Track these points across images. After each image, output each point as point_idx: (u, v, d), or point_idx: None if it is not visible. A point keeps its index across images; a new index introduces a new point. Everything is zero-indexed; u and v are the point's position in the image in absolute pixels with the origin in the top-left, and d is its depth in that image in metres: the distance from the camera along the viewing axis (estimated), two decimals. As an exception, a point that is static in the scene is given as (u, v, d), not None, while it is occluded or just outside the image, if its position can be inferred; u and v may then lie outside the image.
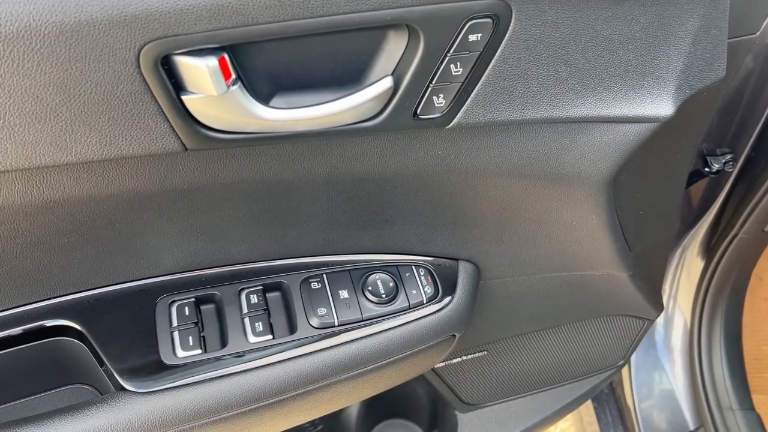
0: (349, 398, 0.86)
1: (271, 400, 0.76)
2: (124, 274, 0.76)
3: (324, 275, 0.81)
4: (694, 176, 1.11)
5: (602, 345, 1.12)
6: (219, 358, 0.74)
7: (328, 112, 0.61)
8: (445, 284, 0.84)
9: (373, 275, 0.81)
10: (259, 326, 0.76)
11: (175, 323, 0.75)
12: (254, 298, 0.78)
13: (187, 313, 0.76)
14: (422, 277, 0.83)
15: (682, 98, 0.69)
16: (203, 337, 0.75)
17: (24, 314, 0.73)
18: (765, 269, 1.49)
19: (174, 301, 0.77)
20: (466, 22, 0.58)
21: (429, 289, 0.82)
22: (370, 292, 0.80)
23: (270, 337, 0.76)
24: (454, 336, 0.85)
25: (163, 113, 0.57)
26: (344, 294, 0.80)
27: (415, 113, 0.64)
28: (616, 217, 0.82)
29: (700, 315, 1.26)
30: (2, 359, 0.74)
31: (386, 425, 1.19)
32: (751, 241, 1.16)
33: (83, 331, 0.74)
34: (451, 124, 0.66)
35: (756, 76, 1.05)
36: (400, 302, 0.81)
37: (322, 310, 0.78)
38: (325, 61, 0.60)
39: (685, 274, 1.27)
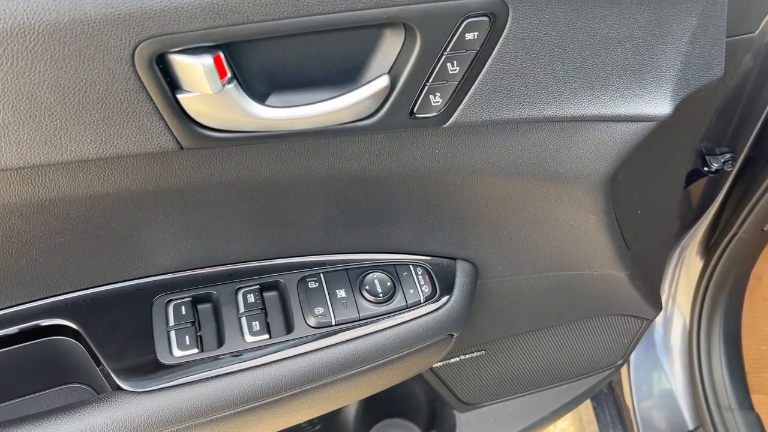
0: (346, 398, 0.86)
1: (268, 400, 0.75)
2: (120, 273, 0.76)
3: (321, 274, 0.81)
4: (693, 175, 1.11)
5: (601, 344, 1.12)
6: (216, 358, 0.74)
7: (324, 110, 0.61)
8: (443, 283, 0.84)
9: (371, 275, 0.81)
10: (256, 326, 0.76)
11: (171, 323, 0.75)
12: (251, 298, 0.78)
13: (183, 313, 0.76)
14: (420, 277, 0.83)
15: (680, 97, 0.69)
16: (200, 336, 0.75)
17: (20, 313, 0.73)
18: (764, 269, 1.48)
19: (171, 301, 0.77)
20: (462, 21, 0.58)
21: (426, 289, 0.82)
22: (367, 291, 0.80)
23: (267, 336, 0.75)
24: (452, 335, 0.85)
25: (159, 112, 0.57)
26: (341, 293, 0.80)
27: (411, 112, 0.64)
28: (614, 217, 0.82)
29: (699, 315, 1.26)
30: (-1, 358, 0.74)
31: (384, 425, 1.19)
32: (750, 240, 1.16)
33: (80, 330, 0.74)
34: (447, 123, 0.65)
35: (755, 75, 1.05)
36: (398, 301, 0.81)
37: (319, 310, 0.78)
38: (321, 59, 0.59)
39: (684, 274, 1.27)
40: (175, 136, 0.59)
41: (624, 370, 1.34)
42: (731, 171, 1.13)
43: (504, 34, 0.60)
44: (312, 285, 0.80)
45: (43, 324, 0.74)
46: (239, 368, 0.74)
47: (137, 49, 0.52)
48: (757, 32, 0.91)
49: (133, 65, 0.53)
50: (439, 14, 0.57)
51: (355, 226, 0.79)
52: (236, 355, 0.74)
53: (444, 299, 0.83)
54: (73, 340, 0.75)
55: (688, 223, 1.23)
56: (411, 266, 0.83)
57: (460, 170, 0.73)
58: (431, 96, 0.63)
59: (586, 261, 0.89)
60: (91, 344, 0.73)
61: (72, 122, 0.55)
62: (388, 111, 0.63)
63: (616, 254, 0.87)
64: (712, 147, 1.10)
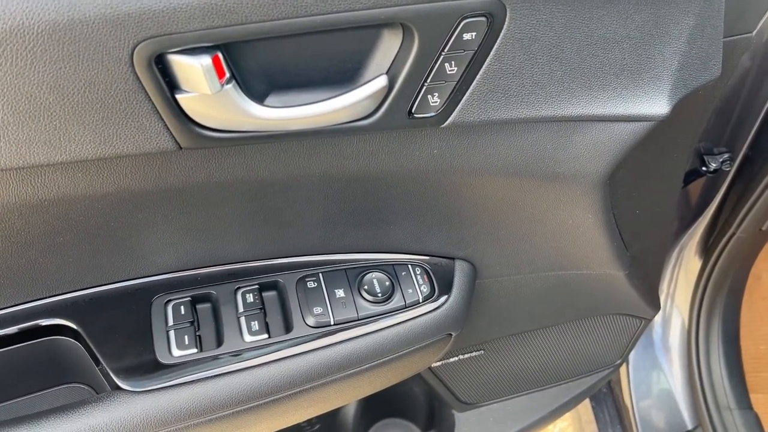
0: (345, 397, 0.87)
1: (267, 399, 0.76)
2: (119, 273, 0.76)
3: (320, 274, 0.81)
4: (692, 175, 1.11)
5: (600, 344, 1.12)
6: (215, 357, 0.74)
7: (322, 110, 0.61)
8: (442, 283, 0.84)
9: (369, 274, 0.81)
10: (255, 325, 0.76)
11: (170, 322, 0.75)
12: (250, 297, 0.78)
13: (182, 313, 0.76)
14: (418, 276, 0.83)
15: (677, 97, 0.69)
16: (199, 336, 0.75)
17: (19, 313, 0.73)
18: (763, 268, 1.49)
19: (170, 301, 0.77)
20: (460, 21, 0.58)
21: (425, 288, 0.82)
22: (366, 291, 0.80)
23: (266, 336, 0.76)
24: (451, 335, 0.85)
25: (157, 112, 0.57)
26: (340, 293, 0.80)
27: (410, 112, 0.64)
28: (612, 216, 0.82)
29: (698, 314, 1.26)
30: (-2, 358, 0.74)
31: (383, 424, 1.19)
32: (748, 240, 1.16)
33: (79, 330, 0.74)
34: (446, 123, 0.66)
35: (753, 75, 1.05)
36: (396, 301, 0.81)
37: (318, 309, 0.78)
38: (320, 59, 0.60)
39: (682, 274, 1.27)
40: (173, 136, 0.59)
41: (623, 369, 1.34)
42: (729, 171, 1.13)
43: (501, 34, 0.61)
44: (311, 285, 0.80)
45: (43, 324, 0.74)
46: (238, 368, 0.74)
47: (136, 50, 0.52)
48: (754, 32, 0.91)
49: (132, 66, 0.53)
50: (436, 14, 0.57)
51: (353, 226, 0.79)
52: (235, 354, 0.74)
53: (442, 299, 0.83)
54: (72, 340, 0.75)
55: (686, 223, 1.23)
56: (409, 266, 0.84)
57: (458, 170, 0.73)
58: (429, 96, 0.63)
59: (584, 261, 0.90)
60: (91, 344, 0.73)
61: (71, 122, 0.55)
62: (386, 111, 0.63)
63: (614, 254, 0.87)
64: (710, 147, 1.10)
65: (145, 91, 0.55)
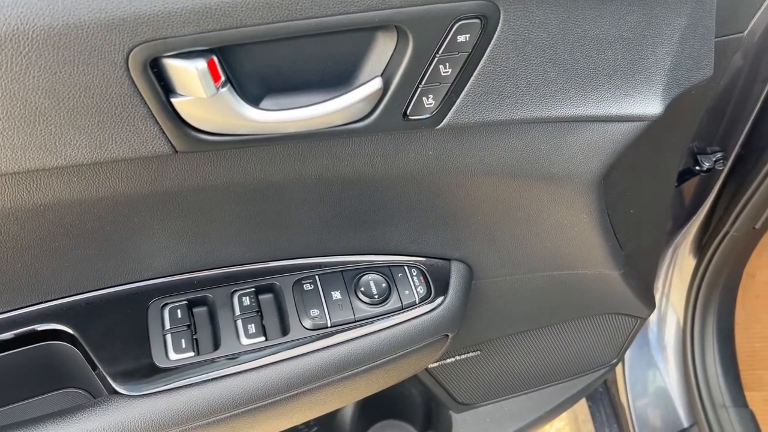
0: (343, 399, 0.87)
1: (265, 402, 0.76)
2: (115, 278, 0.76)
3: (316, 276, 0.81)
4: (685, 175, 1.12)
5: (595, 343, 1.12)
6: (212, 361, 0.74)
7: (317, 113, 0.61)
8: (438, 284, 0.84)
9: (366, 276, 0.81)
10: (252, 328, 0.76)
11: (167, 326, 0.75)
12: (246, 300, 0.78)
13: (179, 316, 0.76)
14: (414, 278, 0.83)
15: (670, 97, 0.69)
16: (196, 339, 0.75)
17: (16, 318, 0.73)
18: (757, 266, 1.49)
19: (166, 304, 0.77)
20: (454, 23, 0.59)
21: (421, 290, 0.83)
22: (362, 293, 0.80)
23: (263, 338, 0.76)
24: (447, 336, 0.85)
25: (153, 116, 0.57)
26: (337, 295, 0.80)
27: (404, 114, 0.64)
28: (606, 216, 0.83)
29: (692, 313, 1.27)
30: (-6, 364, 0.74)
31: (381, 426, 1.19)
32: (742, 238, 1.17)
33: (75, 334, 0.74)
34: (440, 125, 0.66)
35: (745, 75, 1.06)
36: (393, 303, 0.81)
37: (314, 312, 0.78)
38: (315, 62, 0.60)
39: (677, 272, 1.28)
40: (169, 140, 0.59)
41: (619, 368, 1.34)
42: (722, 170, 1.14)
43: (495, 36, 0.61)
44: (307, 287, 0.80)
45: (39, 329, 0.74)
46: (235, 371, 0.74)
47: (131, 54, 0.52)
48: (746, 32, 0.92)
49: (127, 70, 0.53)
50: (430, 17, 0.58)
51: (349, 227, 0.79)
52: (232, 357, 0.74)
53: (439, 300, 0.83)
54: (69, 345, 0.75)
55: (680, 222, 1.24)
56: (406, 267, 0.84)
57: (453, 171, 0.73)
58: (424, 98, 0.63)
59: (579, 260, 0.90)
60: (87, 349, 0.73)
61: (67, 127, 0.55)
62: (381, 113, 0.63)
63: (609, 253, 0.88)
64: (703, 146, 1.11)
65: (141, 96, 0.55)
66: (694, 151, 1.11)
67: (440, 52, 0.60)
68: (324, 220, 0.77)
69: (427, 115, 0.65)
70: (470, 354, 1.03)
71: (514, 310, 0.98)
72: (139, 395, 0.71)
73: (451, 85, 0.63)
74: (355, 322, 0.79)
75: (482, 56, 0.62)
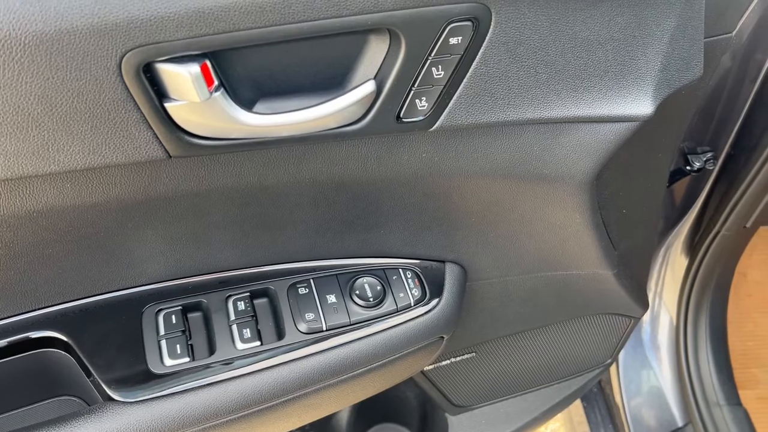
0: (339, 403, 0.87)
1: (261, 407, 0.75)
2: (109, 284, 0.75)
3: (311, 280, 0.81)
4: (676, 175, 1.12)
5: (590, 344, 1.13)
6: (207, 366, 0.74)
7: (311, 116, 0.61)
8: (432, 286, 0.84)
9: (361, 279, 0.81)
10: (247, 333, 0.76)
11: (162, 332, 0.75)
12: (241, 305, 0.78)
13: (174, 322, 0.76)
14: (409, 280, 0.83)
15: (661, 97, 0.70)
16: (191, 345, 0.75)
17: (9, 326, 0.73)
18: (748, 265, 1.50)
19: (161, 310, 0.76)
20: (446, 26, 0.59)
21: (416, 292, 0.83)
22: (357, 296, 0.80)
23: (258, 343, 0.76)
24: (443, 338, 0.85)
25: (146, 121, 0.57)
26: (332, 298, 0.80)
27: (398, 116, 0.65)
28: (599, 216, 0.83)
29: (685, 312, 1.28)
30: (-12, 372, 0.73)
31: (377, 429, 1.19)
32: (733, 237, 1.17)
33: (69, 342, 0.73)
34: (434, 127, 0.66)
35: (734, 75, 1.07)
36: (388, 305, 0.81)
37: (309, 315, 0.78)
38: (308, 66, 0.60)
39: (669, 272, 1.29)
40: (163, 145, 0.59)
41: (613, 369, 1.35)
42: (713, 169, 1.15)
43: (487, 38, 0.61)
44: (302, 291, 0.80)
45: (33, 336, 0.73)
46: (231, 376, 0.74)
47: (124, 59, 0.52)
48: (734, 32, 0.93)
49: (120, 75, 0.53)
50: (423, 20, 0.58)
51: (344, 231, 0.79)
52: (228, 362, 0.74)
53: (434, 302, 0.83)
54: (63, 352, 0.74)
55: (672, 222, 1.24)
56: (400, 270, 0.84)
57: (447, 173, 0.73)
58: (417, 100, 0.64)
59: (573, 261, 0.90)
60: (82, 356, 0.73)
61: (59, 133, 0.55)
62: (374, 116, 0.64)
63: (602, 253, 0.88)
64: (693, 146, 1.11)
65: (134, 100, 0.55)
66: (684, 151, 1.12)
67: (433, 55, 0.61)
68: (318, 224, 0.77)
69: (421, 118, 0.65)
70: (465, 356, 1.03)
71: (509, 311, 0.98)
72: (135, 401, 0.71)
73: (443, 88, 0.64)
74: (351, 325, 0.79)
75: (474, 58, 0.62)
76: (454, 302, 0.85)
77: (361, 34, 0.59)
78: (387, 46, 0.60)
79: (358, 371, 0.79)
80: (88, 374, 0.73)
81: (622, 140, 0.72)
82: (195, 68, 0.54)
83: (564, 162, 0.74)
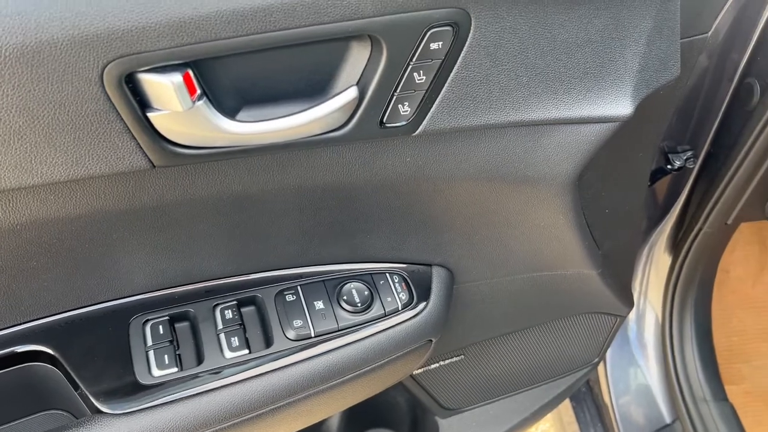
0: (329, 409, 0.87)
1: (251, 415, 0.75)
2: (95, 296, 0.75)
3: (298, 287, 0.81)
4: (657, 174, 1.14)
5: (577, 343, 1.13)
6: (196, 376, 0.73)
7: (294, 123, 0.62)
8: (420, 290, 0.85)
9: (348, 284, 0.82)
10: (235, 341, 0.76)
11: (149, 342, 0.75)
12: (229, 314, 0.78)
13: (161, 332, 0.75)
14: (396, 284, 0.84)
15: (639, 97, 0.71)
16: (179, 355, 0.75)
17: None
18: (731, 262, 1.52)
19: (148, 321, 0.76)
20: (426, 31, 0.60)
21: (404, 296, 0.83)
22: (345, 301, 0.80)
23: (246, 351, 0.75)
24: (431, 341, 0.86)
25: (129, 131, 0.57)
26: (319, 305, 0.80)
27: (381, 122, 0.65)
28: (582, 217, 0.84)
29: (670, 310, 1.29)
30: (-26, 388, 0.72)
31: (368, 435, 1.19)
32: (715, 234, 1.19)
33: (56, 355, 0.73)
34: (417, 132, 0.67)
35: (711, 74, 1.08)
36: (376, 310, 0.81)
37: (298, 322, 0.78)
38: (290, 73, 0.60)
39: (653, 271, 1.30)
40: (146, 155, 0.59)
41: (601, 368, 1.36)
42: (693, 168, 1.16)
43: (467, 42, 0.62)
44: (290, 298, 0.80)
45: (18, 351, 0.73)
46: (220, 385, 0.73)
47: (106, 70, 0.52)
48: (710, 32, 0.94)
49: (102, 86, 0.53)
50: (404, 26, 0.59)
51: (330, 237, 0.80)
52: (216, 372, 0.74)
53: (421, 306, 0.84)
54: (49, 366, 0.74)
55: (655, 221, 1.26)
56: (387, 274, 0.84)
57: (431, 177, 0.74)
58: (400, 105, 0.64)
59: (558, 261, 0.91)
60: (68, 369, 0.72)
61: (43, 145, 0.55)
62: (357, 122, 0.64)
63: (586, 253, 0.89)
64: (673, 145, 1.13)
65: (117, 111, 0.55)
66: (665, 150, 1.13)
67: (414, 60, 0.61)
68: (304, 230, 0.77)
69: (404, 123, 0.66)
70: (454, 359, 1.03)
71: (496, 312, 0.99)
72: (123, 413, 0.70)
73: (425, 92, 0.64)
74: (339, 331, 0.79)
75: (455, 63, 0.63)
76: (441, 305, 0.85)
77: (342, 40, 0.60)
78: (368, 53, 0.60)
79: (348, 376, 0.79)
80: (76, 387, 0.72)
81: (603, 141, 0.73)
82: (177, 78, 0.55)
83: (546, 163, 0.75)
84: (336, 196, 0.74)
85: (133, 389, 0.72)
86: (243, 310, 0.79)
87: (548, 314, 1.05)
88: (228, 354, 0.75)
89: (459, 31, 0.61)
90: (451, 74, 0.64)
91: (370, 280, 0.83)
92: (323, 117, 0.62)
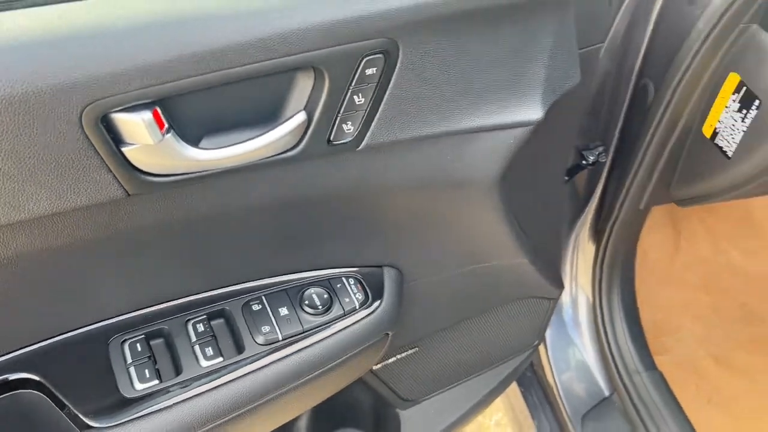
0: (301, 405, 0.94)
1: (229, 417, 0.82)
2: (75, 321, 0.80)
3: (263, 297, 0.88)
4: (575, 169, 1.26)
5: (518, 327, 1.24)
6: (176, 385, 0.79)
7: (251, 147, 0.70)
8: (374, 290, 0.93)
9: (309, 290, 0.89)
10: (209, 351, 0.82)
11: (129, 360, 0.80)
12: (201, 327, 0.84)
13: (139, 349, 0.81)
14: (352, 286, 0.92)
15: (548, 103, 0.82)
16: (158, 369, 0.81)
17: None
18: (649, 244, 1.68)
19: (126, 340, 0.82)
20: (362, 60, 0.69)
21: (360, 296, 0.91)
22: (307, 305, 0.88)
23: (221, 359, 0.82)
24: (387, 334, 0.94)
25: (106, 165, 0.64)
26: (284, 311, 0.87)
27: (328, 140, 0.74)
28: (510, 212, 0.95)
29: (599, 292, 1.41)
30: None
31: (334, 436, 1.25)
32: (630, 220, 1.32)
33: (42, 381, 0.77)
34: (360, 147, 0.76)
35: (613, 78, 1.22)
36: (336, 311, 0.89)
37: (266, 328, 0.85)
38: (245, 103, 0.68)
39: (581, 257, 1.42)
40: (122, 185, 0.66)
41: (543, 351, 1.47)
42: (606, 162, 1.30)
43: (397, 67, 0.72)
44: (256, 307, 0.87)
45: (5, 379, 0.77)
46: (199, 391, 0.80)
47: (84, 112, 0.59)
48: (606, 42, 1.08)
49: (81, 126, 0.60)
50: (342, 56, 0.68)
51: (289, 248, 0.87)
52: (195, 380, 0.80)
53: (376, 303, 0.92)
54: (36, 392, 0.78)
55: (577, 212, 1.39)
56: (344, 278, 0.92)
57: (376, 186, 0.83)
58: (344, 125, 0.73)
59: (493, 253, 1.02)
60: (55, 392, 0.77)
61: (28, 183, 0.61)
62: (307, 142, 0.73)
63: (517, 244, 1.00)
64: (586, 143, 1.26)
65: (94, 148, 0.62)
66: (579, 148, 1.26)
67: (353, 85, 0.71)
68: (266, 244, 0.85)
69: (348, 140, 0.75)
70: (409, 352, 1.12)
71: (443, 305, 1.08)
72: (111, 426, 0.76)
73: (365, 112, 0.73)
74: (304, 332, 0.86)
75: (389, 84, 0.73)
76: (394, 302, 0.94)
77: (289, 72, 0.68)
78: (313, 81, 0.69)
79: (316, 373, 0.87)
80: (63, 408, 0.77)
81: (521, 143, 0.84)
82: (147, 115, 0.62)
83: (474, 167, 0.85)
84: (293, 211, 0.82)
85: (119, 403, 0.77)
86: (213, 322, 0.86)
87: (490, 302, 1.15)
88: (204, 363, 0.82)
89: (389, 58, 0.71)
90: (386, 95, 0.73)
91: (328, 284, 0.91)
92: (277, 140, 0.71)
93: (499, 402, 1.89)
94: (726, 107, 1.07)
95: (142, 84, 0.60)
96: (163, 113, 0.64)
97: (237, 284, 0.88)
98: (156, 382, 0.79)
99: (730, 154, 1.09)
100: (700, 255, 1.80)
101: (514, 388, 1.59)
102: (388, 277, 0.95)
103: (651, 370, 1.43)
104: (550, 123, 0.84)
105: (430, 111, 0.77)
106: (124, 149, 0.64)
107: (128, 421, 0.76)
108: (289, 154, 0.73)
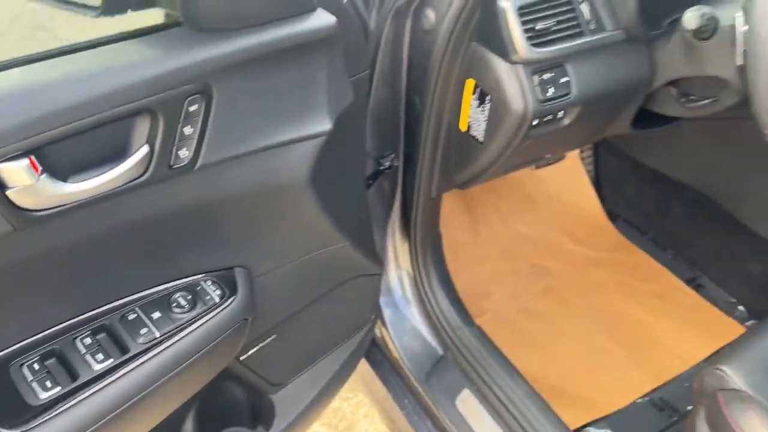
0: (184, 391, 1.11)
1: (126, 405, 0.98)
2: None
3: (137, 308, 1.06)
4: (377, 174, 1.57)
5: (357, 304, 1.49)
6: (76, 388, 0.95)
7: (109, 178, 0.90)
8: (230, 288, 1.12)
9: (175, 295, 1.08)
10: (100, 356, 0.98)
11: (29, 378, 0.95)
12: (88, 340, 1.00)
13: (37, 368, 0.96)
14: (211, 286, 1.11)
15: (333, 117, 1.10)
16: (57, 380, 0.96)
17: None
18: (452, 227, 2.03)
19: (23, 364, 0.96)
20: (186, 100, 0.92)
21: (218, 293, 1.12)
22: (175, 307, 1.07)
23: (111, 360, 0.99)
24: (246, 320, 1.15)
25: None
26: (157, 315, 1.05)
27: (170, 166, 0.96)
28: (325, 207, 1.20)
29: (418, 269, 1.70)
30: None
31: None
32: (428, 207, 1.64)
33: None
34: (196, 167, 0.98)
35: (391, 96, 1.54)
36: (200, 307, 1.09)
37: (144, 330, 1.03)
38: (100, 143, 0.89)
39: (399, 242, 1.70)
40: (9, 222, 0.83)
41: (384, 331, 1.73)
42: (399, 164, 1.62)
43: (214, 102, 0.96)
44: (131, 317, 1.05)
45: None
46: (97, 389, 0.96)
47: None
48: (376, 68, 1.40)
49: None
50: (170, 99, 0.91)
51: (154, 263, 1.06)
52: (92, 381, 0.96)
53: (232, 298, 1.13)
54: None
55: (388, 207, 1.67)
56: (202, 281, 1.12)
57: (215, 199, 1.05)
58: (180, 152, 0.96)
59: (321, 241, 1.26)
60: None
61: None
62: (153, 169, 0.94)
63: (337, 231, 1.26)
64: (380, 152, 1.57)
65: None
66: (376, 157, 1.57)
67: (182, 120, 0.94)
68: (133, 262, 1.03)
69: (186, 163, 0.97)
70: (269, 339, 1.33)
71: (290, 293, 1.31)
72: (26, 430, 0.90)
73: (196, 140, 0.96)
74: (176, 327, 1.05)
75: (209, 116, 0.96)
76: (246, 294, 1.14)
77: (131, 116, 0.90)
78: (150, 120, 0.92)
79: (193, 359, 1.06)
80: (-24, 428, 0.90)
81: (319, 150, 1.11)
82: (25, 162, 0.81)
83: (292, 172, 1.10)
84: (150, 229, 1.02)
85: (28, 412, 0.91)
86: (98, 336, 1.02)
87: (328, 284, 1.39)
88: (96, 366, 0.98)
89: (207, 96, 0.95)
90: (209, 124, 0.97)
91: (191, 288, 1.11)
92: (128, 170, 0.92)
93: (363, 397, 2.13)
94: (471, 105, 1.43)
95: (18, 138, 0.79)
96: (37, 159, 0.82)
97: (114, 301, 1.05)
98: (58, 388, 0.94)
99: (481, 139, 1.44)
100: (495, 231, 2.19)
101: (371, 373, 1.82)
102: (240, 275, 1.16)
103: (471, 326, 1.74)
104: (339, 131, 1.12)
105: (247, 132, 1.02)
106: (8, 192, 0.82)
107: (38, 425, 0.91)
108: (139, 180, 0.94)
